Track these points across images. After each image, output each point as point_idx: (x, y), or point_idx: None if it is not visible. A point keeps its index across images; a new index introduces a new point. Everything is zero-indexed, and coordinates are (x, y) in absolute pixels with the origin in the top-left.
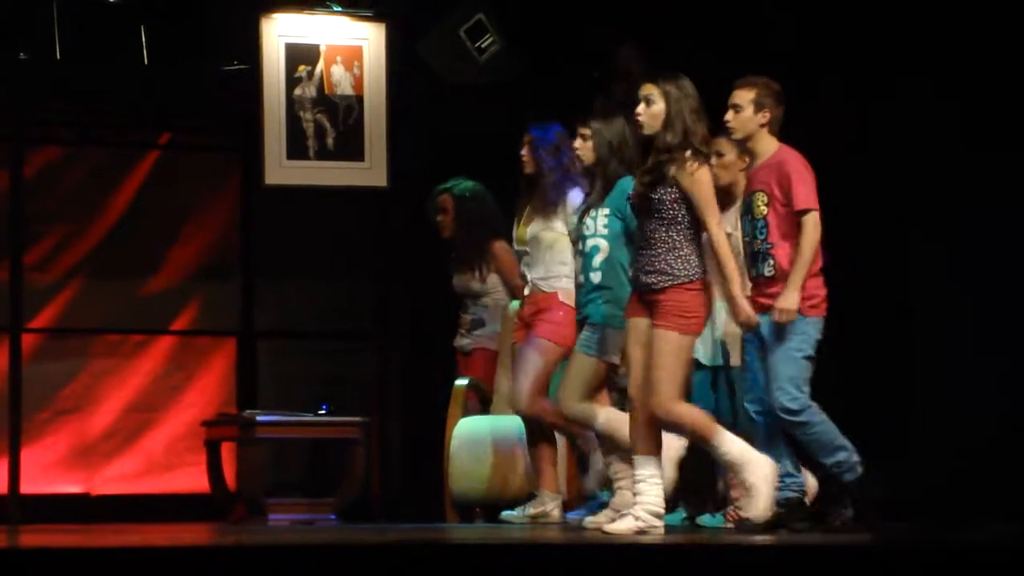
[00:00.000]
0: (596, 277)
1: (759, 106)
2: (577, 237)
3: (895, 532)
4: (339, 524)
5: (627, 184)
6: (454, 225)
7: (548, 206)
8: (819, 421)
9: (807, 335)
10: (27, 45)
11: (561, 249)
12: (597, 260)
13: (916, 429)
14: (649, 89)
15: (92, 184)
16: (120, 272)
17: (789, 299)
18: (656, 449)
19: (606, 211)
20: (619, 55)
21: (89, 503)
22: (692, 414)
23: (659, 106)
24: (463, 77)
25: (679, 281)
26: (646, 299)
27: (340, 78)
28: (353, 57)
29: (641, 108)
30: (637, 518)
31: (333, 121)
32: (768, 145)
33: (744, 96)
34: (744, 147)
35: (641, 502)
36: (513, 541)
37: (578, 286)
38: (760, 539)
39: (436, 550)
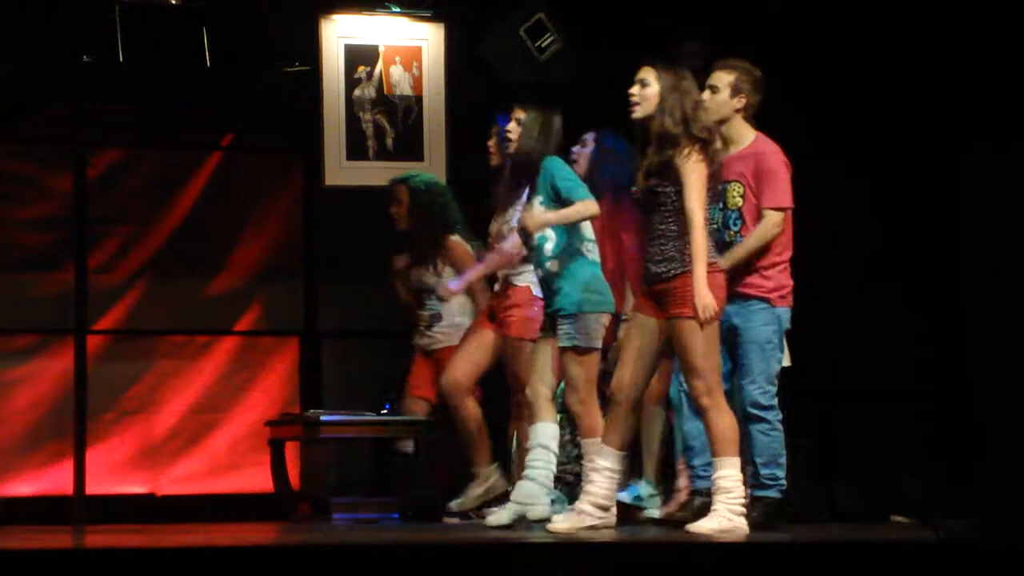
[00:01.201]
0: (553, 266)
1: (736, 90)
2: (524, 236)
3: (959, 530)
4: (402, 523)
5: (550, 164)
6: (408, 217)
7: (513, 199)
8: (778, 427)
9: (777, 327)
10: (90, 49)
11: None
12: (548, 249)
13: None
14: (645, 72)
15: (155, 186)
16: (184, 273)
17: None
18: (625, 446)
19: (540, 198)
20: (683, 51)
21: (154, 503)
22: (725, 424)
23: (653, 88)
24: (523, 76)
25: (689, 268)
26: (657, 291)
27: (399, 78)
28: (412, 57)
29: (635, 89)
30: (581, 512)
31: (392, 121)
32: (743, 132)
33: (723, 78)
34: (720, 134)
35: (590, 492)
36: (577, 541)
37: (539, 280)
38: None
39: (499, 550)
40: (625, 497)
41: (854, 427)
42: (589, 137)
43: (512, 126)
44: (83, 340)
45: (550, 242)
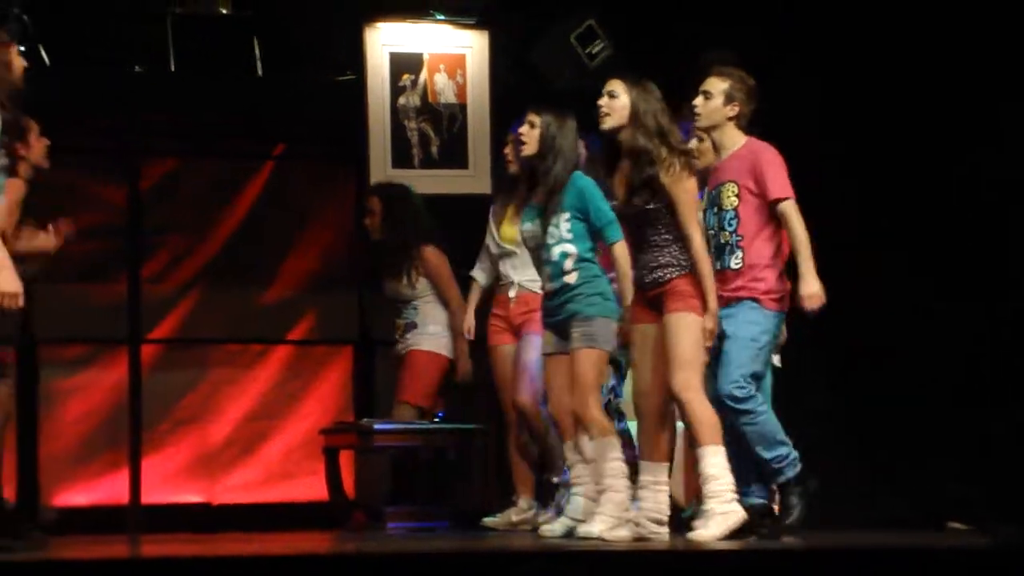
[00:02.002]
0: (571, 279)
1: (729, 98)
2: (536, 245)
3: (1015, 536)
4: (457, 531)
5: (584, 184)
6: (382, 227)
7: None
8: (763, 411)
9: (765, 327)
10: (142, 59)
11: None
12: (568, 264)
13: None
14: (613, 84)
15: (208, 195)
16: (237, 282)
17: (811, 285)
18: (664, 456)
19: (567, 215)
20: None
21: (209, 512)
22: (708, 413)
23: (623, 100)
24: (574, 83)
25: (686, 270)
26: (652, 297)
27: (443, 86)
28: (456, 65)
29: (604, 100)
30: (639, 524)
31: (437, 129)
32: (734, 138)
33: (717, 85)
34: (709, 136)
35: (644, 508)
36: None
37: (547, 293)
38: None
39: (553, 558)
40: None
41: (906, 431)
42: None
43: (525, 129)
44: (137, 350)
45: (571, 259)
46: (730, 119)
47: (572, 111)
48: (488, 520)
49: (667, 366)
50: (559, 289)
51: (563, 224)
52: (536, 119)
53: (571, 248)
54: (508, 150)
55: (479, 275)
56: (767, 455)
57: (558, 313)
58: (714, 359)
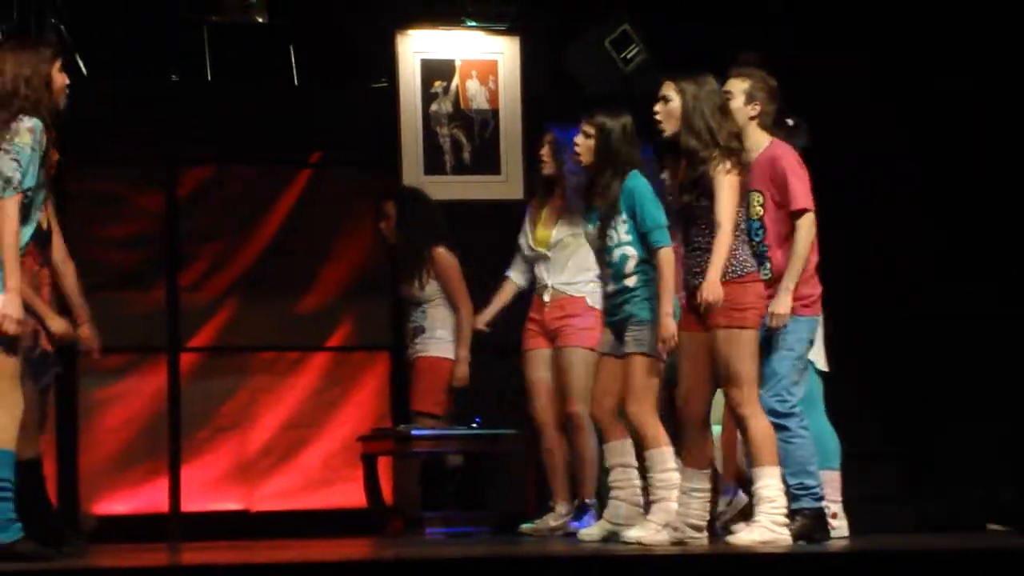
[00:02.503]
0: (632, 281)
1: (750, 98)
2: (598, 248)
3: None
4: (495, 537)
5: (632, 183)
6: (396, 231)
7: (571, 210)
8: (802, 435)
9: (799, 335)
10: (179, 67)
11: (585, 254)
12: (629, 266)
13: None
14: (666, 87)
15: (245, 204)
16: (275, 290)
17: (782, 303)
18: (706, 463)
19: (623, 217)
20: (744, 60)
21: (248, 520)
22: (766, 432)
23: (675, 103)
24: (608, 88)
25: (727, 278)
26: (695, 304)
27: (475, 92)
28: (488, 71)
29: (659, 107)
30: (677, 529)
31: (469, 135)
32: (757, 139)
33: (737, 85)
34: None
35: (683, 514)
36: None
37: (608, 293)
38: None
39: (592, 563)
40: None
41: (947, 435)
42: None
43: (580, 139)
44: (176, 358)
45: (631, 260)
46: (752, 119)
47: (626, 111)
48: (526, 527)
49: (722, 383)
50: (619, 290)
51: (621, 227)
52: (590, 128)
53: (631, 250)
54: (543, 152)
55: (513, 275)
56: (791, 480)
57: (616, 313)
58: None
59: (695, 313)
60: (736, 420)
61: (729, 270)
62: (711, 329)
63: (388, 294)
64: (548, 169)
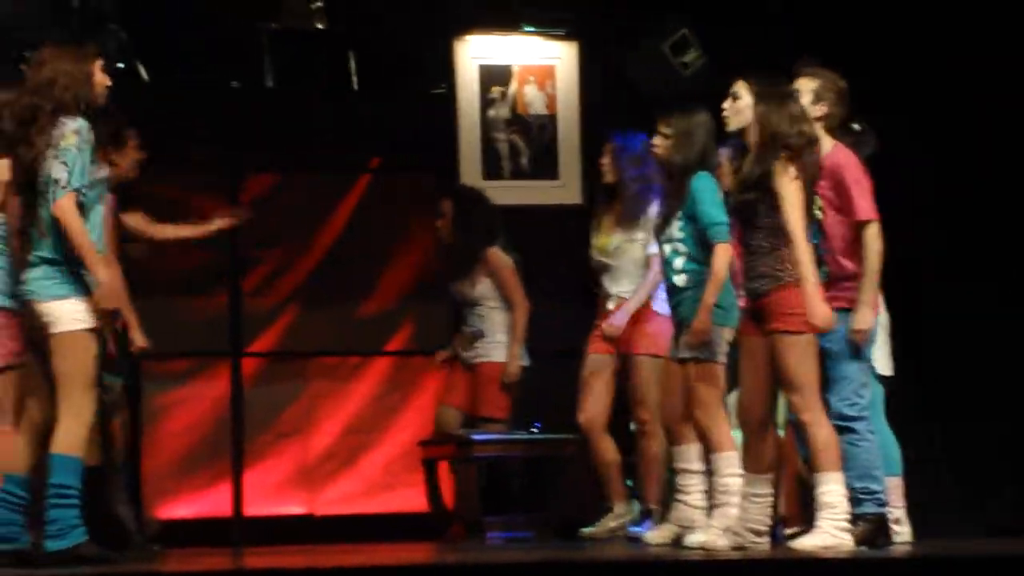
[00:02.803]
0: (680, 280)
1: (818, 98)
2: (659, 242)
3: None
4: (556, 542)
5: (697, 183)
6: (452, 230)
7: (631, 217)
8: (869, 439)
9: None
10: (238, 74)
11: (647, 260)
12: (678, 263)
13: None
14: (738, 85)
15: (306, 209)
16: (336, 295)
17: (865, 319)
18: (766, 467)
19: (680, 214)
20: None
21: (311, 524)
22: (828, 437)
23: (745, 101)
24: (667, 92)
25: (782, 282)
26: (755, 307)
27: (533, 98)
28: (545, 77)
29: (727, 103)
30: (738, 534)
31: (527, 141)
32: (821, 142)
33: (806, 85)
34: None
35: (745, 519)
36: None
37: (667, 289)
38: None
39: (656, 567)
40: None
41: (1008, 439)
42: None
43: (658, 140)
44: (238, 363)
45: (681, 258)
46: (817, 119)
47: (702, 107)
48: (586, 530)
49: (783, 388)
50: (670, 289)
51: (675, 223)
52: (667, 127)
53: (681, 247)
54: (604, 160)
55: (598, 288)
56: (856, 483)
57: (674, 316)
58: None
59: (755, 317)
60: (797, 426)
61: (787, 275)
62: (770, 334)
63: (447, 298)
64: (609, 177)
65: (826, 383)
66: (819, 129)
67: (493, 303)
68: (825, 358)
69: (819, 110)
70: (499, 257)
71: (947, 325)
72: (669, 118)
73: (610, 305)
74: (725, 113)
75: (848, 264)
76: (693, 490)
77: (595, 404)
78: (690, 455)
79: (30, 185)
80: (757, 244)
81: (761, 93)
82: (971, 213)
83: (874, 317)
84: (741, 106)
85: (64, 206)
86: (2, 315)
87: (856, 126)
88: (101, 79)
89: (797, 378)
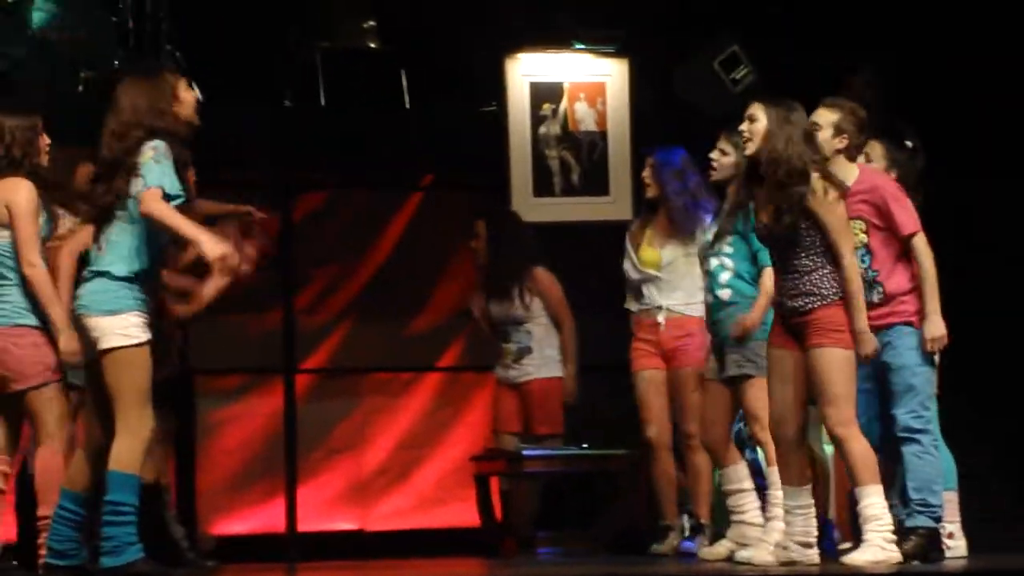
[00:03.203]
0: (725, 294)
1: (839, 131)
2: (703, 257)
3: None
4: (608, 557)
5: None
6: (487, 250)
7: (683, 232)
8: (934, 452)
9: (924, 348)
10: (292, 93)
11: (699, 274)
12: (724, 278)
13: None
14: (754, 108)
15: (358, 227)
16: (388, 311)
17: (936, 326)
18: (805, 479)
19: (733, 229)
20: (852, 82)
21: (363, 539)
22: (865, 451)
23: (761, 124)
24: (718, 108)
25: (828, 301)
26: (793, 324)
27: (584, 115)
28: (596, 94)
29: (744, 125)
30: (787, 548)
31: (578, 158)
32: (846, 170)
33: (826, 117)
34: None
35: (791, 533)
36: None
37: (707, 307)
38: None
39: None
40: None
41: None
42: None
43: (716, 155)
44: (292, 379)
45: (727, 273)
46: (839, 151)
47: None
48: (657, 548)
49: (819, 403)
50: (714, 304)
51: (727, 239)
52: (727, 145)
53: (728, 262)
54: (646, 174)
55: (632, 306)
56: (914, 495)
57: (716, 333)
58: (873, 393)
59: (789, 333)
60: (833, 440)
61: (831, 292)
62: (809, 349)
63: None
64: (651, 191)
65: (891, 397)
66: (841, 160)
67: (541, 321)
68: (888, 373)
69: (840, 142)
70: (546, 276)
71: (999, 338)
72: (731, 135)
73: (660, 318)
74: (745, 135)
75: (900, 281)
76: (749, 508)
77: (661, 420)
78: (740, 475)
79: (106, 210)
80: (799, 264)
81: (776, 115)
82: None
83: (943, 325)
84: (757, 128)
85: (148, 202)
86: (38, 333)
87: (908, 143)
88: (188, 96)
89: (836, 392)
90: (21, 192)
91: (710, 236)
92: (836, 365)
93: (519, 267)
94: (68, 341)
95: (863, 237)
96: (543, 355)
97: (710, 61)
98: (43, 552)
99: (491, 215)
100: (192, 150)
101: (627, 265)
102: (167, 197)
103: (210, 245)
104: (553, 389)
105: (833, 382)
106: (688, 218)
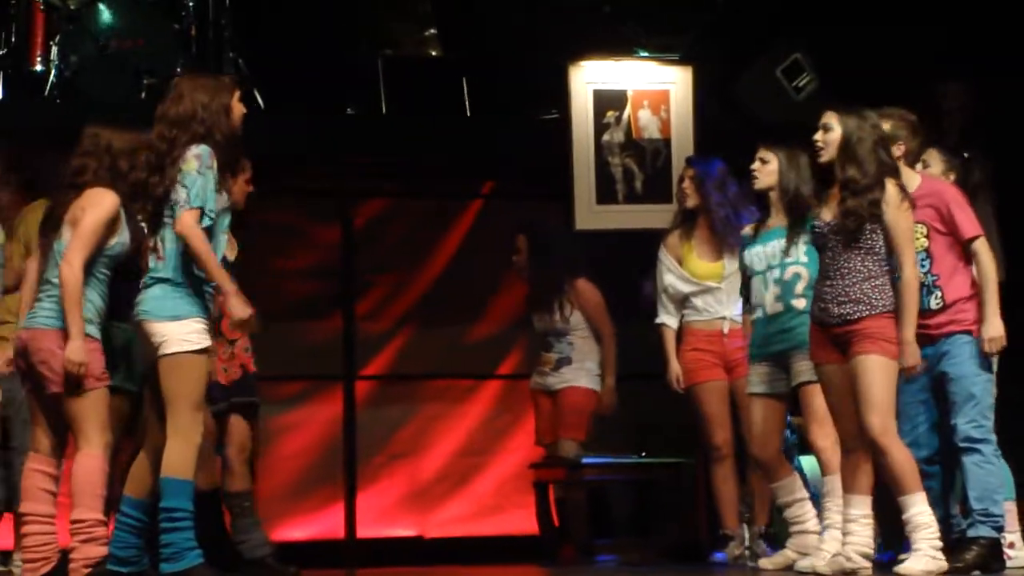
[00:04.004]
0: (800, 304)
1: (893, 139)
2: (767, 266)
3: None
4: (666, 565)
5: None
6: (529, 264)
7: (733, 243)
8: (995, 462)
9: (988, 361)
10: (354, 100)
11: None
12: (800, 287)
13: None
14: (828, 116)
15: (419, 234)
16: (447, 318)
17: (996, 327)
18: (867, 488)
19: (804, 237)
20: (945, 91)
21: (423, 546)
22: (908, 459)
23: (836, 133)
24: (780, 116)
25: (876, 311)
26: (836, 333)
27: (647, 122)
28: (660, 101)
29: (819, 135)
30: (848, 558)
31: (641, 165)
32: (908, 177)
33: None
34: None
35: (851, 542)
36: None
37: (766, 318)
38: None
39: None
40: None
41: None
42: None
43: (757, 165)
44: (351, 386)
45: (803, 282)
46: (897, 158)
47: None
48: (724, 556)
49: (861, 410)
50: (782, 313)
51: (800, 246)
52: (768, 154)
53: (804, 271)
54: (687, 185)
55: (670, 320)
56: (975, 504)
57: (775, 342)
58: (930, 404)
59: (832, 345)
60: (875, 449)
61: (881, 304)
62: (855, 356)
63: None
64: (692, 202)
65: (951, 407)
66: (901, 166)
67: (583, 332)
68: (947, 382)
69: (898, 149)
70: (588, 288)
71: None
72: (771, 146)
73: (724, 328)
74: (819, 144)
75: (960, 287)
76: (808, 518)
77: (728, 428)
78: (795, 486)
79: (158, 215)
80: (852, 267)
81: (851, 123)
82: None
83: (1002, 326)
84: (832, 137)
85: (185, 222)
86: (89, 340)
87: (966, 154)
88: (238, 108)
89: (881, 400)
90: (105, 202)
91: (767, 244)
92: (882, 373)
93: (560, 280)
94: (77, 351)
95: (924, 242)
96: (583, 366)
97: (772, 69)
98: (75, 557)
99: (532, 229)
100: (253, 159)
101: (670, 278)
102: (200, 209)
103: (237, 304)
104: (586, 398)
105: (878, 390)
106: (730, 229)
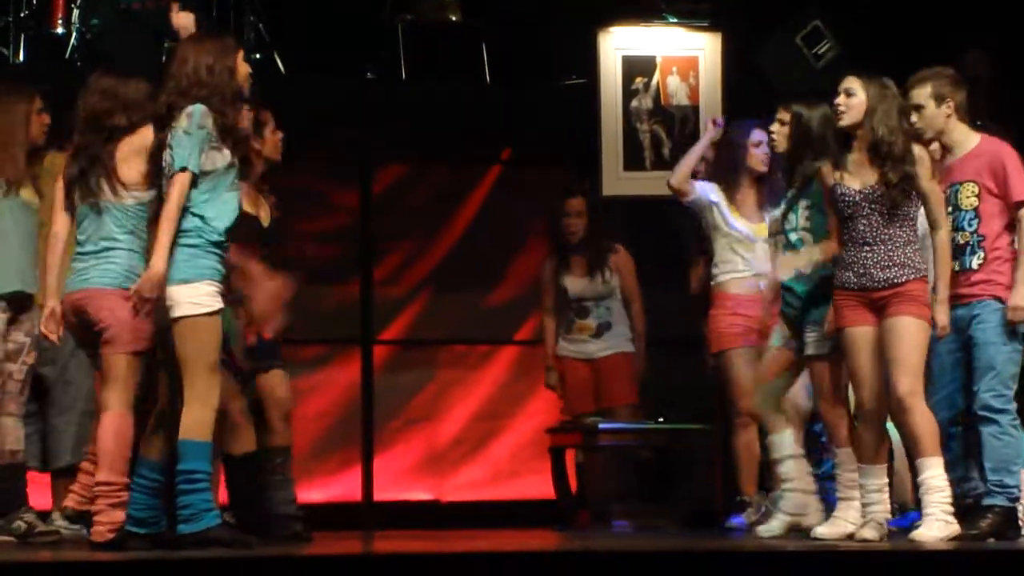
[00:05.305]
0: (810, 272)
1: (940, 98)
2: (775, 231)
3: None
4: (683, 531)
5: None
6: (586, 229)
7: (769, 204)
8: (1013, 433)
9: (1016, 330)
10: (374, 66)
11: None
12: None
13: None
14: (850, 81)
15: (437, 200)
16: (465, 284)
17: (1022, 296)
18: (885, 458)
19: (807, 203)
20: (966, 60)
21: (439, 510)
22: (931, 422)
23: (859, 97)
24: (800, 84)
25: (920, 275)
26: (876, 297)
27: (676, 89)
28: (689, 67)
29: (841, 99)
30: (862, 526)
31: (669, 132)
32: (965, 136)
33: (921, 93)
34: (941, 143)
35: (869, 512)
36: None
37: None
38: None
39: (775, 558)
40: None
41: None
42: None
43: (776, 127)
44: (369, 350)
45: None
46: (949, 117)
47: (824, 99)
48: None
49: (892, 368)
50: (791, 284)
51: (802, 212)
52: (785, 116)
53: (808, 237)
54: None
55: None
56: (991, 475)
57: (797, 306)
58: (962, 362)
59: (867, 308)
60: (899, 408)
61: (921, 267)
62: (891, 316)
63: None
64: (762, 166)
65: (973, 373)
66: (955, 123)
67: (617, 298)
68: (973, 347)
69: (947, 108)
70: (627, 256)
71: None
72: (789, 105)
73: (761, 285)
74: (840, 108)
75: (1003, 249)
76: (800, 475)
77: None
78: (789, 442)
79: (160, 173)
80: (891, 233)
81: (873, 89)
82: None
83: None
84: (855, 102)
85: (171, 184)
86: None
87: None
88: (243, 68)
89: (914, 361)
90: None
91: (782, 211)
92: (917, 335)
93: (610, 245)
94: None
95: (974, 201)
96: (623, 331)
97: (792, 37)
98: (101, 520)
99: (589, 194)
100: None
101: (732, 219)
102: (184, 170)
103: (146, 284)
104: (630, 363)
105: (911, 351)
106: (779, 190)
